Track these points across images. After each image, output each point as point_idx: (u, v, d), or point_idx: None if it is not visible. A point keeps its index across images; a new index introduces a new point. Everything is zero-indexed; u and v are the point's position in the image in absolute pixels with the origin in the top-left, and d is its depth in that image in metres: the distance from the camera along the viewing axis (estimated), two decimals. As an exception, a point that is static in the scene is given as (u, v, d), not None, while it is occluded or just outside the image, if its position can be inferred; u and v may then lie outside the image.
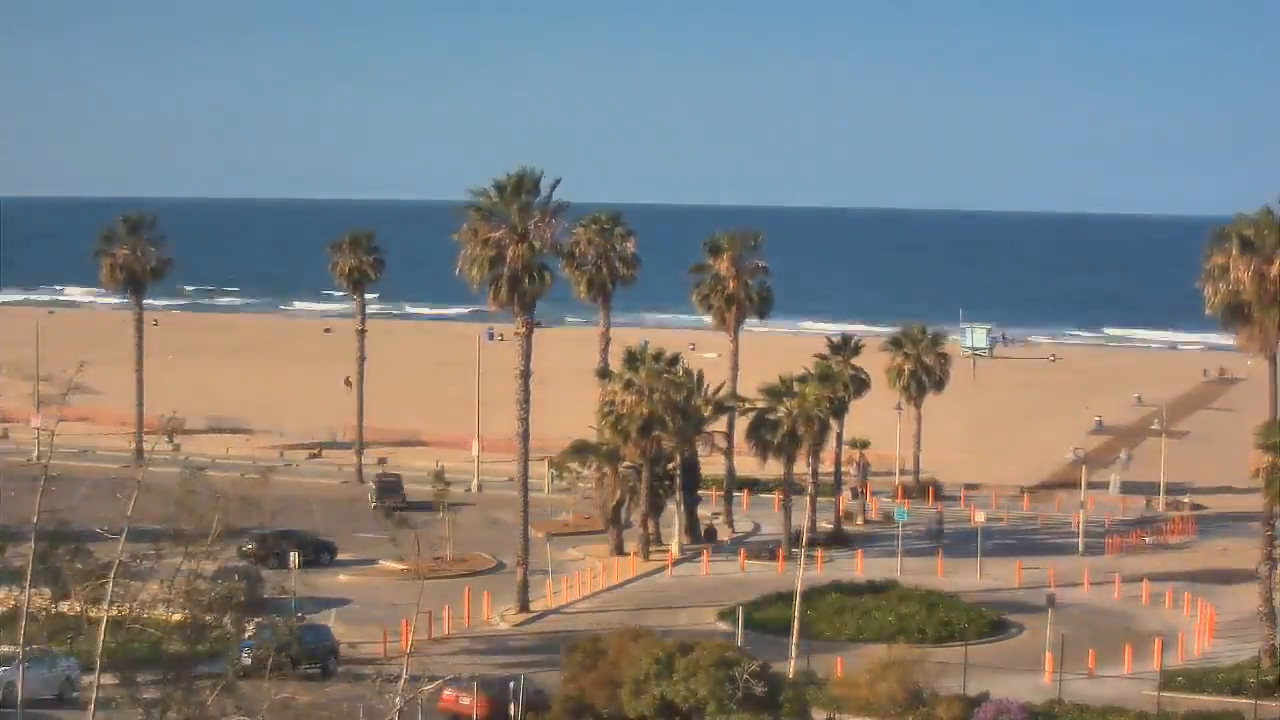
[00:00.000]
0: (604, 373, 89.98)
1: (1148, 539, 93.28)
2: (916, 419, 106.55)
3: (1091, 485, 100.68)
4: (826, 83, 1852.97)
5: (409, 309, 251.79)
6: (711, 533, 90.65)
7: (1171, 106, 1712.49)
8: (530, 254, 71.01)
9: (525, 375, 73.16)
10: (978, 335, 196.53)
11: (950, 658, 59.55)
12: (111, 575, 34.48)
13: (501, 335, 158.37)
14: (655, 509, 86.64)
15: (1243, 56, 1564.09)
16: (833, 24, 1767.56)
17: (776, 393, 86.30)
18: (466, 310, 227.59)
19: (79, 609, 35.55)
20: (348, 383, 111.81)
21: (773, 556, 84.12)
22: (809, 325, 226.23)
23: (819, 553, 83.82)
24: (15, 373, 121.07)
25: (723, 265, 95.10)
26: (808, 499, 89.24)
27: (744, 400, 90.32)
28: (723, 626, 68.40)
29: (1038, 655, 63.54)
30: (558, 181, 71.89)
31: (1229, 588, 78.37)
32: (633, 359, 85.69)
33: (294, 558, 71.36)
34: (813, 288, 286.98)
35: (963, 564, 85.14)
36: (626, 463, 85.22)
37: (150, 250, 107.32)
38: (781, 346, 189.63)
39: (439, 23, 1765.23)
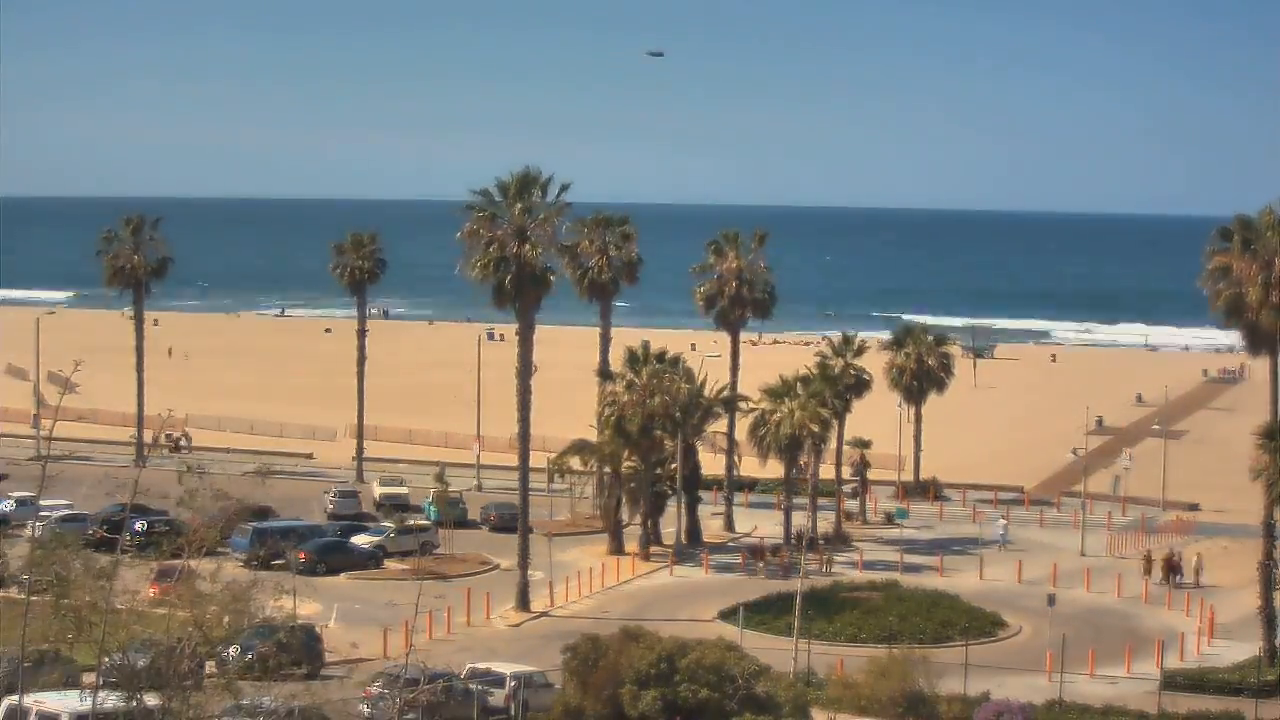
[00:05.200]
0: (605, 373, 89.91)
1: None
2: (917, 419, 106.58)
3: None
4: (827, 82, 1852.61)
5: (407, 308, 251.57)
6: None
7: (1171, 106, 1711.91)
8: (533, 255, 70.92)
9: (525, 375, 73.07)
10: (979, 335, 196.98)
11: (950, 658, 59.51)
12: (113, 571, 34.49)
13: (502, 335, 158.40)
14: (655, 509, 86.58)
15: (1244, 56, 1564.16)
16: (832, 24, 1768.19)
17: (778, 393, 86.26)
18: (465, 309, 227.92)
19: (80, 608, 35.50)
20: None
21: (774, 555, 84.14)
22: (810, 324, 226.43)
23: (818, 553, 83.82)
24: (27, 375, 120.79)
25: (725, 265, 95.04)
26: (808, 499, 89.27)
27: (745, 400, 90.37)
28: (723, 626, 68.34)
29: (1038, 655, 63.51)
30: (566, 186, 71.87)
31: (1226, 588, 78.41)
32: (634, 359, 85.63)
33: (292, 557, 71.31)
34: (815, 288, 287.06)
35: (963, 563, 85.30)
36: (627, 463, 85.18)
37: (151, 250, 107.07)
38: (783, 346, 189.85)
39: (439, 22, 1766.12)
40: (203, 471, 34.67)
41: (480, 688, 52.76)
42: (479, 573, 79.78)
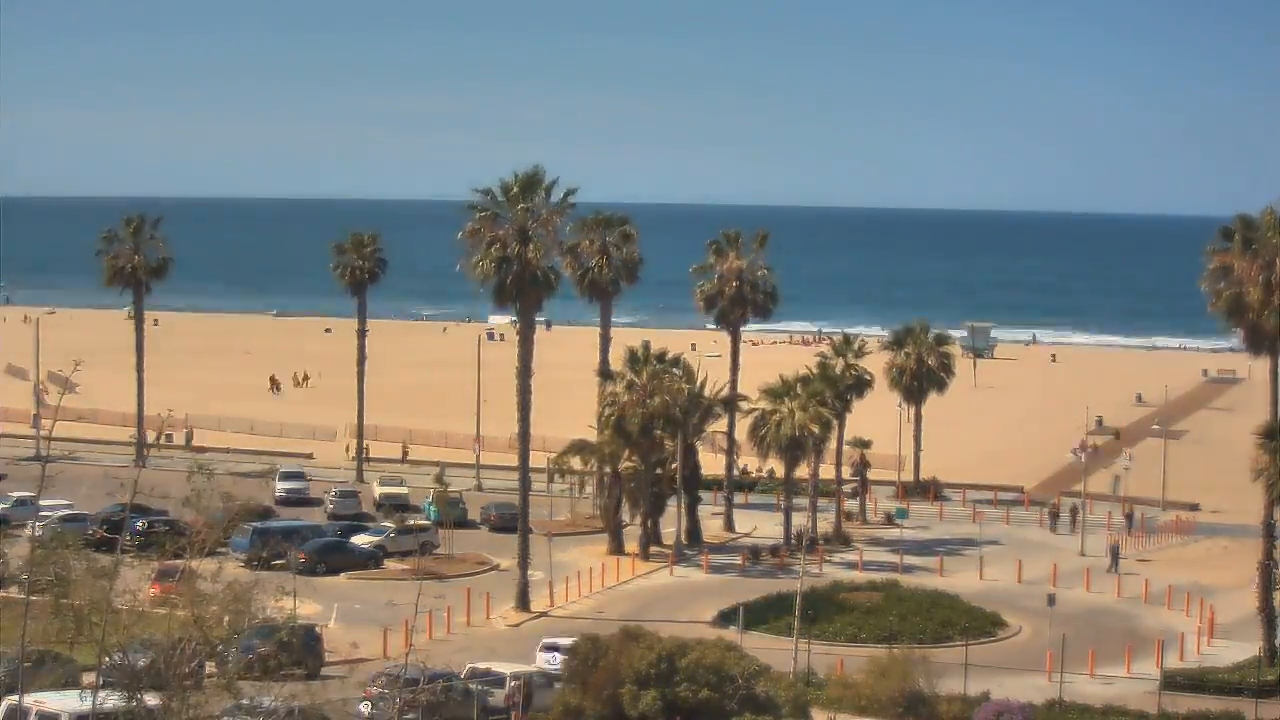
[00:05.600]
0: (605, 373, 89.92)
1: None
2: (917, 419, 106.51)
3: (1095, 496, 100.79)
4: (826, 82, 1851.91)
5: (411, 309, 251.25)
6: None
7: (1171, 106, 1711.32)
8: (535, 255, 70.91)
9: (525, 375, 73.03)
10: (979, 335, 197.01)
11: (950, 658, 59.50)
12: (114, 571, 34.48)
13: (502, 335, 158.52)
14: (655, 509, 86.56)
15: (1244, 56, 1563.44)
16: (831, 22, 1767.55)
17: (778, 393, 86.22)
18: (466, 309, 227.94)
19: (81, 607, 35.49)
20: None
21: (773, 555, 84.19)
22: (811, 325, 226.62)
23: (818, 552, 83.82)
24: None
25: (726, 265, 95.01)
26: (808, 499, 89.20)
27: (745, 400, 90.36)
28: (723, 627, 68.32)
29: (1038, 655, 63.50)
30: (573, 190, 71.86)
31: (1226, 588, 78.36)
32: (634, 359, 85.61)
33: (292, 557, 71.29)
34: (815, 288, 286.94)
35: (962, 563, 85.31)
36: (627, 463, 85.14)
37: (151, 250, 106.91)
38: (783, 346, 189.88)
39: (439, 21, 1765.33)
40: (211, 472, 34.74)
41: (480, 688, 52.75)
42: (476, 573, 79.61)
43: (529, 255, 70.76)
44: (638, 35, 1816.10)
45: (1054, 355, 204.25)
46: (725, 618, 70.12)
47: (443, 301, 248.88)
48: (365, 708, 48.73)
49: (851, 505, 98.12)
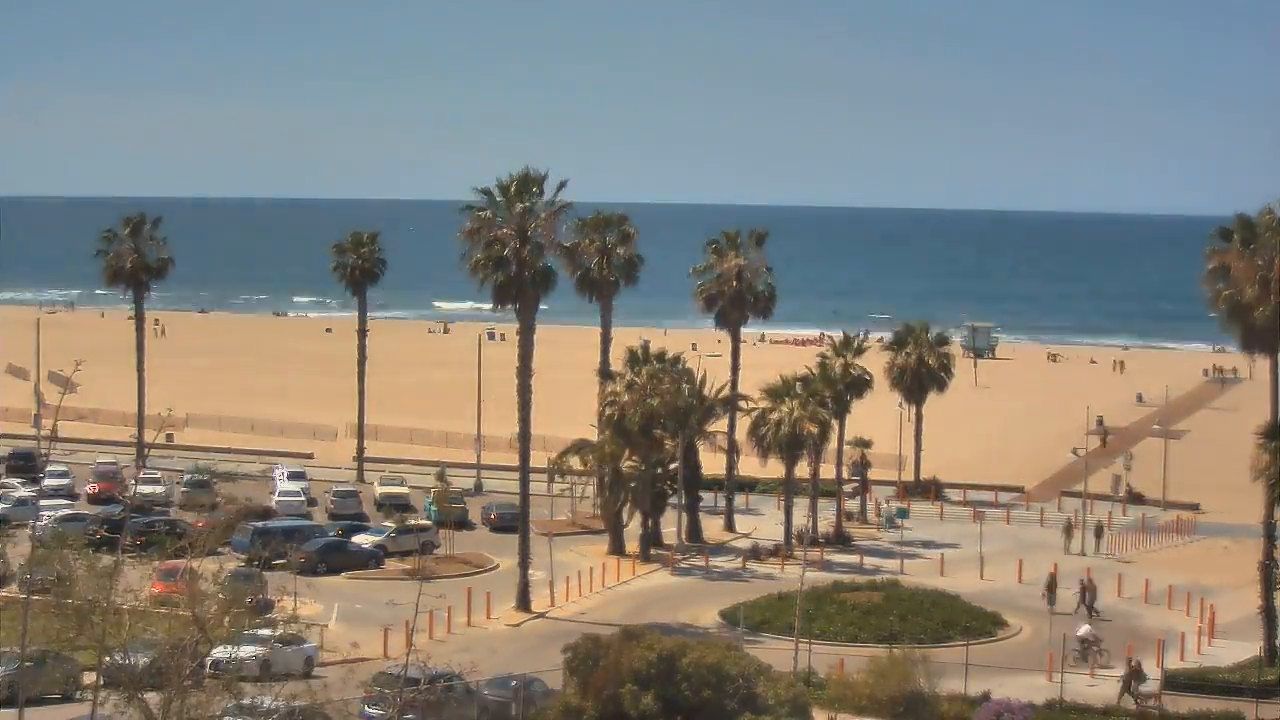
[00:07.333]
0: (605, 373, 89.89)
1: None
2: (917, 418, 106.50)
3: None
4: (826, 81, 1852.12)
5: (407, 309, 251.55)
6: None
7: (1172, 106, 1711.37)
8: (533, 255, 70.92)
9: (525, 375, 73.02)
10: (979, 335, 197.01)
11: (950, 658, 59.49)
12: (114, 571, 34.54)
13: (502, 335, 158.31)
14: (656, 509, 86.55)
15: (1244, 56, 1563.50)
16: (830, 22, 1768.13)
17: (778, 393, 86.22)
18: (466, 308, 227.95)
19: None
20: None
21: (774, 555, 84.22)
22: (810, 325, 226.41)
23: (818, 551, 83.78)
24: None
25: (726, 265, 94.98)
26: (809, 499, 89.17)
27: (746, 400, 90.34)
28: (723, 626, 68.33)
29: (1038, 655, 63.51)
30: (564, 183, 71.82)
31: (1228, 588, 78.38)
32: (634, 359, 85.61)
33: (292, 557, 71.22)
34: (815, 287, 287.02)
35: (965, 565, 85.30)
36: (627, 463, 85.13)
37: (151, 250, 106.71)
38: (783, 346, 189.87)
39: (438, 21, 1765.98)
40: (220, 477, 34.96)
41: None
42: (471, 574, 79.35)
43: (527, 255, 70.76)
44: (642, 36, 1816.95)
45: (1054, 355, 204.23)
46: (726, 617, 70.12)
47: (443, 300, 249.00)
48: (372, 710, 48.44)
49: (852, 505, 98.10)
